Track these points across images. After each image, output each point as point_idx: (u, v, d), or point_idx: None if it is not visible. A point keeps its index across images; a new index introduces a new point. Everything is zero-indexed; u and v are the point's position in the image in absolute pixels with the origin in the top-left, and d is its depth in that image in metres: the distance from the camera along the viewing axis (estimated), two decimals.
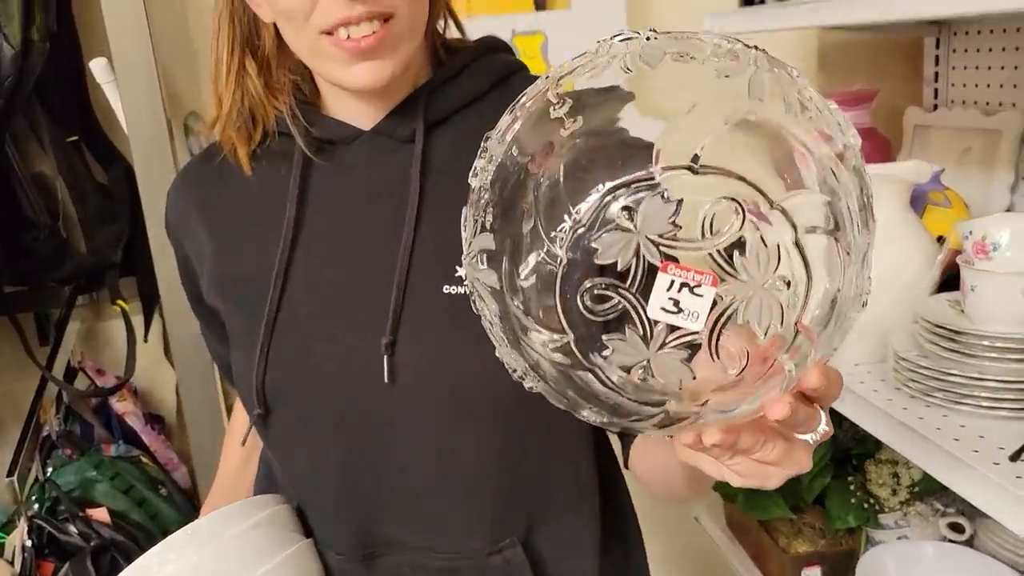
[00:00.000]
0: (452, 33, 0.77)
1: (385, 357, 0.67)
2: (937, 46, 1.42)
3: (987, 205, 1.30)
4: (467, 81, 0.72)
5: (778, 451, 0.46)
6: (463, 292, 0.67)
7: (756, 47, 0.43)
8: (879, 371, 1.07)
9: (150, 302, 1.51)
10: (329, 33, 0.64)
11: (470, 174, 0.46)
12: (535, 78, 0.77)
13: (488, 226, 0.44)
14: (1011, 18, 1.27)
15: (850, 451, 1.35)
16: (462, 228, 0.47)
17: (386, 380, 0.67)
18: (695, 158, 0.39)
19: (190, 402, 1.40)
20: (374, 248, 0.70)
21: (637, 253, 0.39)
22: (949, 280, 1.14)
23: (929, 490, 1.25)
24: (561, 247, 0.40)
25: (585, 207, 0.40)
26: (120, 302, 1.48)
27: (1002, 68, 1.31)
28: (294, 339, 0.70)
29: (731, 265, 0.39)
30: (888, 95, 1.47)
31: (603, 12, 1.49)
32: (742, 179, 0.39)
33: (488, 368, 0.53)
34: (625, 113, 0.42)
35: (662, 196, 0.39)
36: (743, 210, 0.39)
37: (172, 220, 0.81)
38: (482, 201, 0.45)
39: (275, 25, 0.70)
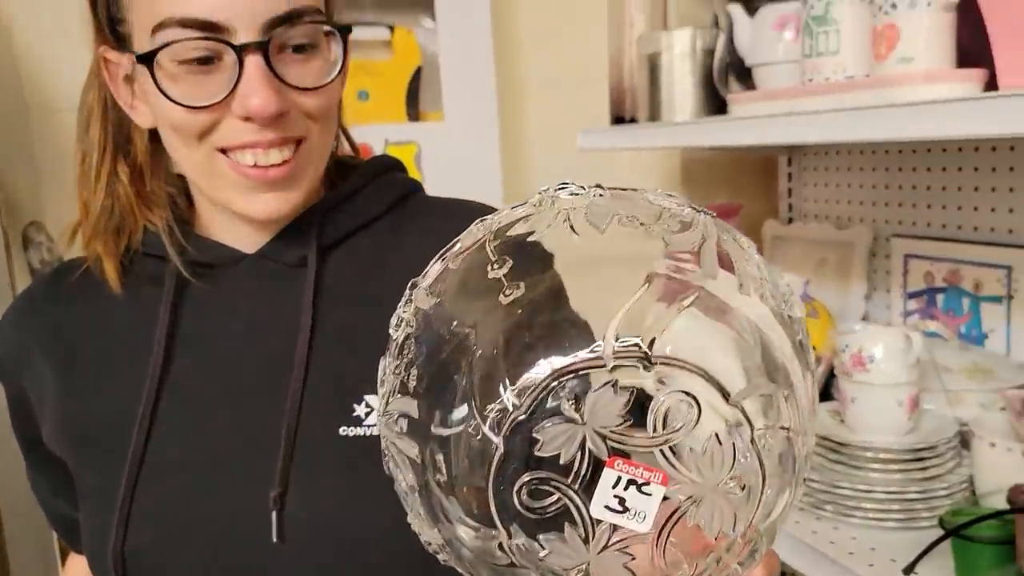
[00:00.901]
0: (343, 149, 0.73)
1: (273, 512, 0.59)
2: (789, 164, 1.53)
3: (844, 314, 1.38)
4: (363, 203, 0.68)
5: None
6: (363, 434, 0.61)
7: (704, 210, 0.42)
8: None
9: None
10: (224, 151, 0.59)
11: (391, 324, 0.42)
12: (433, 199, 0.75)
13: (411, 389, 0.40)
14: (853, 145, 1.38)
15: None
16: (379, 382, 0.42)
17: (274, 539, 0.59)
18: (650, 345, 0.37)
19: (17, 550, 1.23)
20: (259, 386, 0.63)
21: (582, 446, 0.36)
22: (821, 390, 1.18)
23: None
24: (497, 433, 0.37)
25: (526, 391, 0.36)
26: None
27: (849, 186, 1.42)
28: (162, 495, 0.61)
29: (680, 461, 0.36)
30: (748, 208, 1.56)
31: (476, 124, 1.50)
32: (699, 372, 0.37)
33: (392, 523, 0.47)
34: (571, 284, 0.39)
35: (612, 386, 0.36)
36: (698, 405, 0.36)
37: (4, 356, 0.69)
38: (405, 358, 0.40)
39: (149, 132, 0.64)
